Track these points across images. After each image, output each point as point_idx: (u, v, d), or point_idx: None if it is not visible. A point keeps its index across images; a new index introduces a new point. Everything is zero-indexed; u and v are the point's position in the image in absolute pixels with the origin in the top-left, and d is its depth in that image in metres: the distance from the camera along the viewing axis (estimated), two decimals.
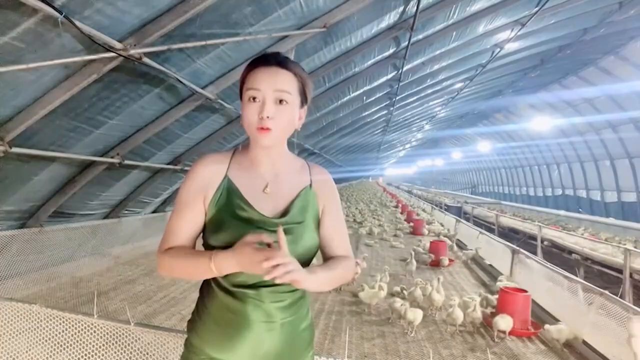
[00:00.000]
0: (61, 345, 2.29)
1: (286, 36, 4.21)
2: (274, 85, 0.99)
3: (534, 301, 4.36)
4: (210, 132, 5.78)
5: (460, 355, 3.49)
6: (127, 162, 4.65)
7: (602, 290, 3.65)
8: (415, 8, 4.74)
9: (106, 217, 5.73)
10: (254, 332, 0.98)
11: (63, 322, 2.28)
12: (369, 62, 6.60)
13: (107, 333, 2.22)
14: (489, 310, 4.33)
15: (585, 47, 11.39)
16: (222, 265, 0.93)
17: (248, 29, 3.77)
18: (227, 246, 0.97)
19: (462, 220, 11.03)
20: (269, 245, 0.92)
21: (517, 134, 24.65)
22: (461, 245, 8.79)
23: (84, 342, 2.25)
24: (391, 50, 6.49)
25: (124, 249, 6.18)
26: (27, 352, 2.40)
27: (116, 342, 2.19)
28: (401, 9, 5.12)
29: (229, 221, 1.01)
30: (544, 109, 19.15)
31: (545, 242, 10.38)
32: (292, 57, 4.42)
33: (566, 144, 20.44)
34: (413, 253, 6.41)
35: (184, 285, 4.92)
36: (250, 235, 0.92)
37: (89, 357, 2.25)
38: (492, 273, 6.45)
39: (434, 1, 5.18)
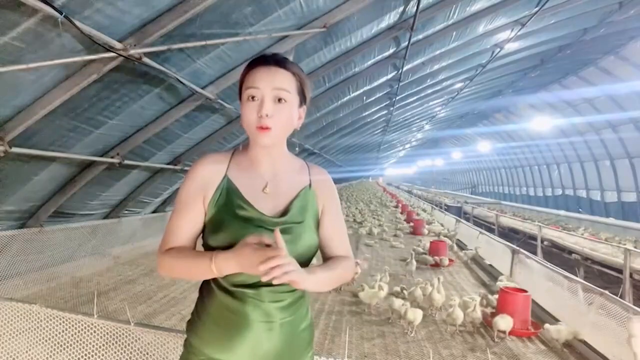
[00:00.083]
0: (61, 345, 2.29)
1: (286, 36, 4.21)
2: (272, 83, 1.00)
3: (534, 301, 4.36)
4: (210, 132, 5.78)
5: (460, 355, 3.49)
6: (127, 162, 4.65)
7: (602, 290, 3.65)
8: (415, 8, 4.74)
9: (106, 217, 5.73)
10: (253, 332, 0.98)
11: (63, 322, 2.28)
12: (369, 62, 6.61)
13: (107, 333, 2.22)
14: (489, 310, 4.33)
15: (585, 47, 11.39)
16: (223, 266, 0.93)
17: (248, 29, 3.77)
18: (226, 246, 0.97)
19: (462, 220, 11.03)
20: (269, 246, 0.92)
21: (517, 134, 24.65)
22: (461, 245, 8.79)
23: (84, 342, 2.25)
24: (391, 50, 6.49)
25: (124, 249, 6.18)
26: (27, 352, 2.40)
27: (116, 342, 2.19)
28: (401, 9, 5.12)
29: (229, 221, 1.01)
30: (544, 109, 19.16)
31: (545, 242, 10.38)
32: (292, 57, 4.43)
33: (566, 144, 20.45)
34: (413, 253, 6.41)
35: (184, 285, 4.92)
36: (251, 236, 0.92)
37: (89, 357, 2.25)
38: (492, 273, 6.45)
39: (434, 1, 5.18)
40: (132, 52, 3.00)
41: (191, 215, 1.04)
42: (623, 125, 16.06)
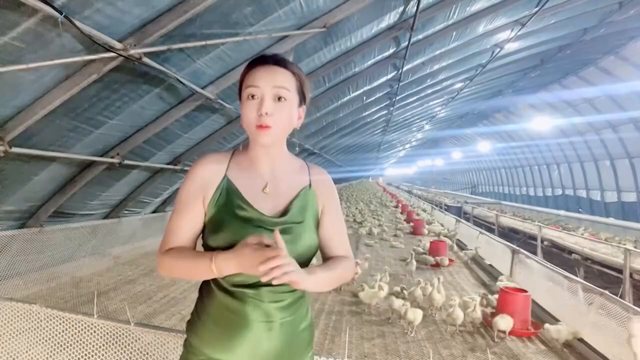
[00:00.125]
0: (61, 345, 2.29)
1: (286, 36, 4.21)
2: (272, 82, 1.00)
3: (534, 301, 4.36)
4: (210, 132, 5.78)
5: (460, 355, 3.49)
6: (127, 162, 4.65)
7: (602, 290, 3.65)
8: (415, 8, 4.74)
9: (106, 217, 5.74)
10: (253, 332, 0.98)
11: (63, 322, 2.28)
12: (369, 62, 6.61)
13: (107, 333, 2.22)
14: (489, 310, 4.33)
15: (585, 47, 11.39)
16: (223, 266, 0.93)
17: (248, 29, 3.77)
18: (226, 246, 0.97)
19: (462, 220, 11.03)
20: (269, 246, 0.92)
21: (517, 134, 24.65)
22: (461, 245, 8.79)
23: (84, 342, 2.25)
24: (391, 50, 6.49)
25: (124, 249, 6.18)
26: (27, 352, 2.40)
27: (116, 342, 2.19)
28: (401, 9, 5.12)
29: (229, 221, 1.01)
30: (544, 109, 19.16)
31: (545, 242, 10.38)
32: (291, 57, 4.43)
33: (566, 144, 20.45)
34: (413, 253, 6.41)
35: (184, 285, 4.92)
36: (251, 237, 0.92)
37: (89, 357, 2.25)
38: (492, 273, 6.45)
39: (434, 1, 5.18)
40: (132, 52, 3.00)
41: (191, 215, 1.04)
42: (623, 125, 16.06)
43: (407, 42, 5.84)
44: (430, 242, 7.66)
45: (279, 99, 1.01)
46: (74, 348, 2.27)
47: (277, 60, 1.04)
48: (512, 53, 9.44)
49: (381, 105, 10.40)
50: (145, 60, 3.18)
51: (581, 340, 3.62)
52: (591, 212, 18.60)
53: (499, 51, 8.21)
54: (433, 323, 4.19)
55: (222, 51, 3.99)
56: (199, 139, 5.78)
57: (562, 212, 17.02)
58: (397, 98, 9.45)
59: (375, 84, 7.92)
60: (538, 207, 20.96)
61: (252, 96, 1.00)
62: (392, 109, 10.91)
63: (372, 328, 4.00)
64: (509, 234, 13.02)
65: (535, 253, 8.67)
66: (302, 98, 1.08)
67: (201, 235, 1.07)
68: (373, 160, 33.12)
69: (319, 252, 1.13)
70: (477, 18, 6.19)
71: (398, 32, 5.60)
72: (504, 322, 3.74)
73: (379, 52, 6.37)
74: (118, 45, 2.93)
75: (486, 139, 28.53)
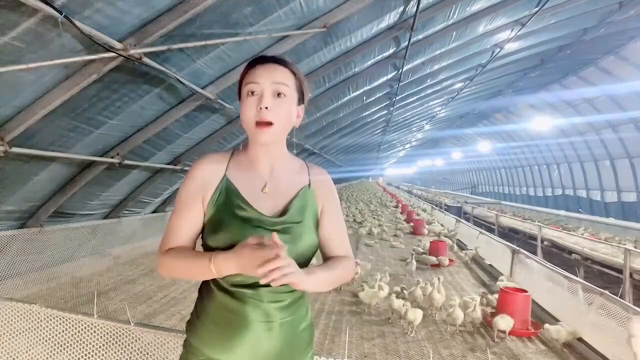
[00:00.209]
0: (61, 345, 2.29)
1: (286, 36, 4.21)
2: (272, 78, 1.01)
3: (534, 301, 4.36)
4: (210, 132, 5.78)
5: (460, 355, 3.49)
6: (127, 162, 4.65)
7: (602, 290, 3.65)
8: (415, 8, 4.74)
9: (106, 217, 5.74)
10: (253, 332, 0.98)
11: (63, 322, 2.28)
12: (369, 62, 6.61)
13: (107, 333, 2.22)
14: (489, 310, 4.33)
15: (585, 47, 11.39)
16: (222, 266, 0.93)
17: (248, 29, 3.77)
18: (226, 247, 0.97)
19: (462, 220, 11.03)
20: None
21: (517, 134, 24.65)
22: (461, 245, 8.79)
23: (84, 342, 2.25)
24: (391, 50, 6.49)
25: (124, 249, 6.18)
26: (27, 352, 2.40)
27: (116, 342, 2.19)
28: (401, 9, 5.12)
29: (228, 220, 1.01)
30: (544, 109, 19.16)
31: (545, 242, 10.38)
32: (291, 57, 4.43)
33: (566, 144, 20.45)
34: (413, 253, 6.40)
35: (184, 285, 4.92)
36: (251, 237, 0.92)
37: (89, 357, 2.25)
38: (492, 273, 6.45)
39: (434, 1, 5.18)
40: (132, 52, 3.00)
41: (191, 215, 1.04)
42: (623, 125, 16.06)
43: (407, 42, 5.84)
44: (430, 242, 7.66)
45: (279, 95, 1.02)
46: (74, 348, 2.27)
47: (277, 59, 1.05)
48: (512, 53, 9.44)
49: (381, 105, 10.39)
50: (145, 60, 3.18)
51: (581, 340, 3.62)
52: (591, 212, 18.60)
53: (499, 51, 8.21)
54: (433, 323, 4.19)
55: (222, 51, 3.99)
56: (199, 139, 5.79)
57: (562, 212, 17.02)
58: (397, 98, 9.45)
59: (375, 84, 7.92)
60: (538, 207, 20.96)
61: (252, 92, 1.01)
62: (392, 109, 10.91)
63: (372, 328, 4.00)
64: (509, 234, 13.02)
65: (535, 253, 8.66)
66: (301, 97, 1.09)
67: (201, 235, 1.07)
68: (373, 160, 33.11)
69: (319, 252, 1.13)
70: (477, 18, 6.19)
71: (398, 32, 5.60)
72: (504, 322, 3.74)
73: (379, 52, 6.37)
74: (118, 45, 2.93)
75: (486, 139, 28.53)
